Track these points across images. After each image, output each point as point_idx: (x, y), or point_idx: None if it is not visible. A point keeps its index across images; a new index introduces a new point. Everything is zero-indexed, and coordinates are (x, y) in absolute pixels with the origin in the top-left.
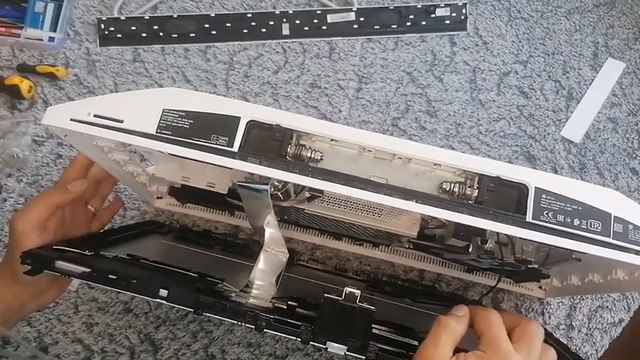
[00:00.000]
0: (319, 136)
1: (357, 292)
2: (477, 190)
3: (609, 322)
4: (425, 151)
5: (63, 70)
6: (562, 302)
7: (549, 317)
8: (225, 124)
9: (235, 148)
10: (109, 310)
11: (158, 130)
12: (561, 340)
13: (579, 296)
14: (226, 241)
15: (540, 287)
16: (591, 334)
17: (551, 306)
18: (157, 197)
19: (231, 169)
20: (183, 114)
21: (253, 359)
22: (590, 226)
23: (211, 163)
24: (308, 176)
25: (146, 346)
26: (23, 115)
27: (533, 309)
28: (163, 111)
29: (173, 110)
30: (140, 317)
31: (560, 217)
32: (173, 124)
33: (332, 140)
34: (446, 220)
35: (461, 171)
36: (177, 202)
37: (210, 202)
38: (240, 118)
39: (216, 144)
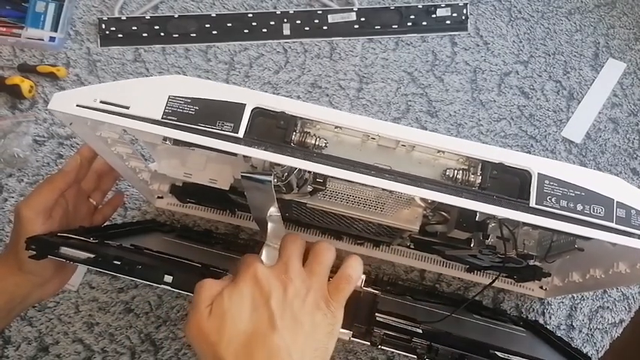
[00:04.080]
0: (323, 124)
1: (362, 275)
2: (480, 177)
3: (610, 322)
4: (428, 138)
5: (64, 70)
6: (563, 302)
7: (550, 317)
8: (231, 111)
9: (240, 134)
10: (110, 310)
11: (164, 116)
12: None
13: (580, 296)
14: (227, 241)
15: (541, 287)
16: (592, 335)
17: (552, 306)
18: (158, 197)
19: (235, 155)
20: (189, 100)
21: None
22: (593, 211)
23: (216, 149)
24: (312, 161)
25: (147, 346)
26: (24, 115)
27: (534, 309)
28: (169, 97)
29: (179, 97)
30: (141, 317)
31: (563, 203)
32: (179, 110)
33: (336, 127)
34: (447, 214)
35: (464, 158)
36: (178, 202)
37: (212, 200)
38: (245, 105)
39: (221, 130)
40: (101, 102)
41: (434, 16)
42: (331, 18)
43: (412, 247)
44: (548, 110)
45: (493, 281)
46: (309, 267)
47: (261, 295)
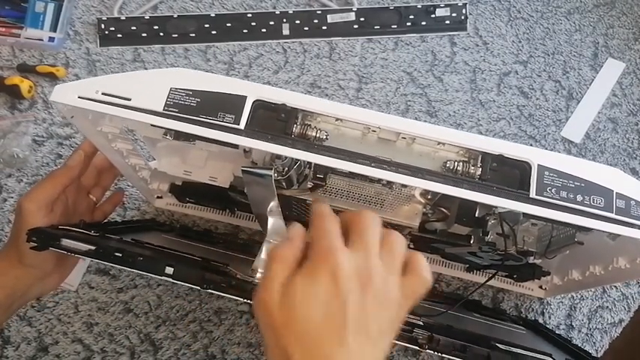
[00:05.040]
0: (324, 116)
1: None
2: (480, 169)
3: (609, 322)
4: (429, 130)
5: (63, 70)
6: (562, 302)
7: (549, 317)
8: (232, 103)
9: (242, 125)
10: (109, 310)
11: (165, 108)
12: None
13: (579, 296)
14: (227, 240)
15: (541, 286)
16: (591, 335)
17: (551, 306)
18: (158, 197)
19: (236, 147)
20: (190, 93)
21: (253, 359)
22: (593, 202)
23: (218, 141)
24: (313, 153)
25: (146, 346)
26: (23, 115)
27: (533, 309)
28: (170, 90)
29: (180, 89)
30: (140, 317)
31: (563, 194)
32: (180, 102)
33: (337, 120)
34: (447, 210)
35: (464, 150)
36: (178, 202)
37: (211, 200)
38: (246, 97)
39: (222, 121)
40: (103, 94)
41: (433, 16)
42: (330, 18)
43: (411, 245)
44: (547, 110)
45: (493, 276)
46: (385, 258)
47: (337, 296)
